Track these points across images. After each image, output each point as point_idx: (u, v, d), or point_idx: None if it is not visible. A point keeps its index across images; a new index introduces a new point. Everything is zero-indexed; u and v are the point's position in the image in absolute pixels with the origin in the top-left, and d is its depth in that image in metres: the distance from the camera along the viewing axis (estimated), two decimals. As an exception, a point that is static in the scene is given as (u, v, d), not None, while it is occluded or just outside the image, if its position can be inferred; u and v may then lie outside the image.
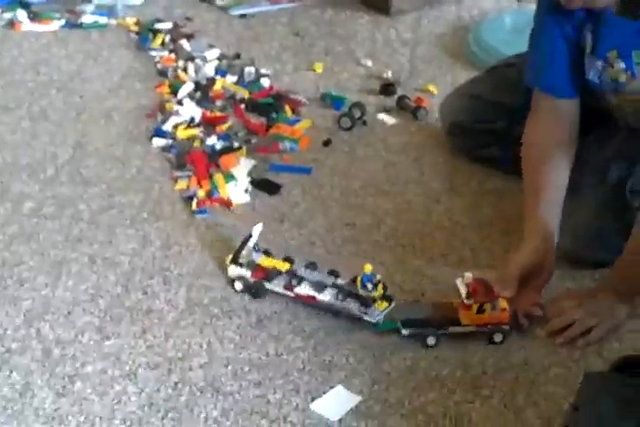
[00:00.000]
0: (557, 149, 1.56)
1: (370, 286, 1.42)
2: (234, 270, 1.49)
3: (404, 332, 1.39)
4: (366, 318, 1.42)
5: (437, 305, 1.43)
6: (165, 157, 1.83)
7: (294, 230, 1.65)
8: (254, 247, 1.52)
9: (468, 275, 1.40)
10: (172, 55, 2.17)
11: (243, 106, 1.99)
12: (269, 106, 1.99)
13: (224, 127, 1.90)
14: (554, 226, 1.49)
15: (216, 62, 2.13)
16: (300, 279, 1.46)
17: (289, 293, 1.46)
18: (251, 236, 1.52)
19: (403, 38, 2.34)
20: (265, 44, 2.30)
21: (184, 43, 2.21)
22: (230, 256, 1.50)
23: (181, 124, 1.90)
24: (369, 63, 2.21)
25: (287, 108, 1.99)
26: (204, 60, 2.13)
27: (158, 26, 2.31)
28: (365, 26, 2.40)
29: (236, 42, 2.29)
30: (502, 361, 1.38)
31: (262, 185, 1.76)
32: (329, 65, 2.20)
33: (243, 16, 2.42)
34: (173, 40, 2.23)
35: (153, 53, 2.20)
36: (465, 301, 1.38)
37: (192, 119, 1.92)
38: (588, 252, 1.54)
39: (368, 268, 1.43)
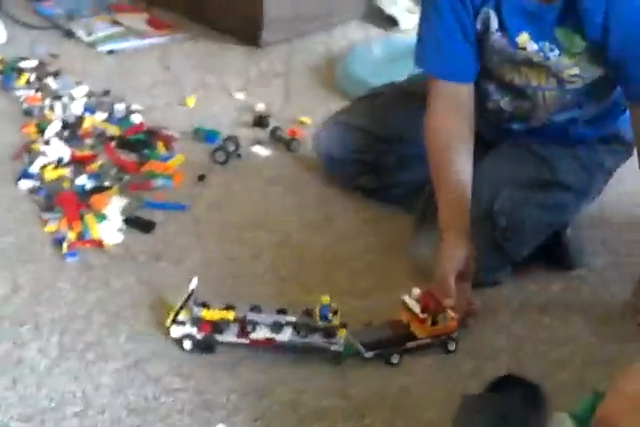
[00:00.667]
0: (459, 138, 1.59)
1: (330, 315, 1.43)
2: (178, 331, 1.44)
3: (368, 355, 1.42)
4: (333, 348, 1.43)
5: (390, 324, 1.48)
6: (34, 199, 1.79)
7: (171, 268, 1.63)
8: (194, 302, 1.47)
9: (416, 290, 1.46)
10: (38, 94, 2.13)
11: (113, 143, 1.97)
12: (141, 142, 1.98)
13: (94, 166, 1.88)
14: (468, 224, 1.54)
15: (84, 100, 2.10)
16: (254, 324, 1.43)
17: (244, 340, 1.43)
18: (190, 294, 1.47)
19: (275, 70, 2.36)
20: (135, 79, 2.29)
21: (50, 81, 2.18)
22: (170, 317, 1.44)
23: (49, 164, 1.86)
24: (242, 96, 2.23)
25: (160, 143, 1.98)
26: (72, 97, 2.10)
27: (23, 64, 2.26)
28: (237, 58, 2.41)
29: (105, 78, 2.27)
30: (384, 388, 1.40)
31: (136, 223, 1.74)
32: (201, 98, 2.21)
33: (111, 52, 2.40)
34: (39, 78, 2.19)
35: (18, 93, 2.15)
36: (420, 315, 1.43)
37: (60, 159, 1.88)
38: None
39: (326, 299, 1.44)
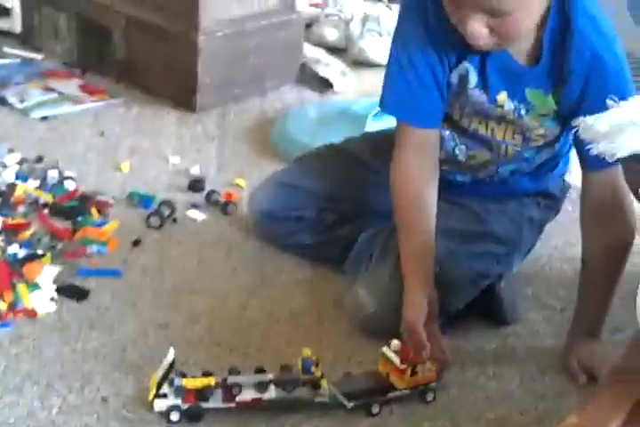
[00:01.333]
0: (428, 185, 1.62)
1: (313, 368, 1.46)
2: (162, 404, 1.42)
3: (350, 404, 1.45)
4: (318, 399, 1.45)
5: (369, 374, 1.51)
6: (-36, 269, 1.79)
7: (105, 336, 1.63)
8: (175, 372, 1.47)
9: (396, 342, 1.50)
10: (-30, 164, 2.14)
11: (46, 211, 1.98)
12: (74, 209, 1.99)
13: (27, 234, 1.88)
14: (432, 269, 1.58)
15: (16, 167, 2.11)
16: (239, 386, 1.44)
17: (230, 404, 1.43)
18: (171, 366, 1.45)
19: (209, 134, 2.40)
20: (69, 145, 2.30)
21: (-19, 150, 2.19)
22: (152, 391, 1.43)
23: (-20, 234, 1.87)
24: (176, 160, 2.26)
25: (94, 210, 1.99)
26: (4, 165, 2.11)
27: (-47, 133, 2.27)
28: (172, 122, 2.45)
29: (38, 145, 2.28)
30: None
31: (69, 292, 1.74)
32: (136, 163, 2.23)
33: (45, 118, 2.42)
34: (-30, 149, 2.20)
35: (-51, 164, 2.15)
36: (399, 366, 1.47)
37: (-8, 229, 1.89)
38: (391, 314, 1.58)
39: (307, 352, 1.48)
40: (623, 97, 1.33)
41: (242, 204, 2.04)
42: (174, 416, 1.42)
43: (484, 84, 1.60)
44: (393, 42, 1.65)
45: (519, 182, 1.78)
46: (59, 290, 1.74)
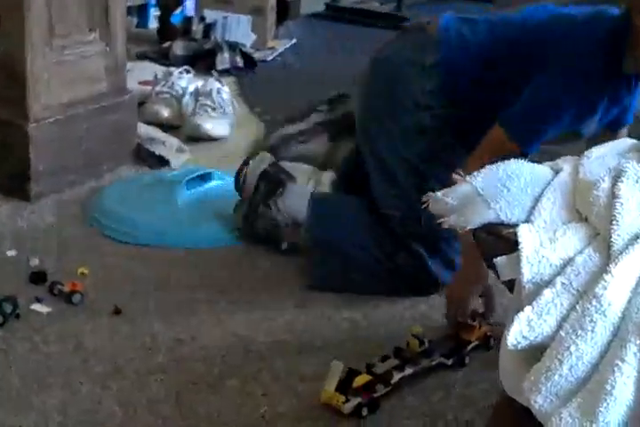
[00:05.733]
0: None
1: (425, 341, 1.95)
2: (349, 406, 1.75)
3: (449, 362, 1.91)
4: (433, 363, 1.91)
5: (446, 338, 1.97)
6: None
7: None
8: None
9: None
10: None
11: None
12: None
13: None
14: None
15: None
16: (390, 372, 1.82)
17: (388, 388, 1.82)
18: (344, 371, 1.78)
19: (46, 222, 2.43)
20: None
21: None
22: (338, 399, 1.75)
23: None
24: (13, 253, 2.27)
25: None
26: None
27: None
28: (5, 214, 2.46)
29: None
30: None
31: None
32: (-31, 261, 2.23)
33: None
34: None
35: None
36: (473, 323, 1.97)
37: None
38: None
39: (418, 329, 1.96)
40: None
41: (87, 292, 2.08)
42: (364, 411, 1.76)
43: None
44: (561, 86, 1.92)
45: None
46: None
